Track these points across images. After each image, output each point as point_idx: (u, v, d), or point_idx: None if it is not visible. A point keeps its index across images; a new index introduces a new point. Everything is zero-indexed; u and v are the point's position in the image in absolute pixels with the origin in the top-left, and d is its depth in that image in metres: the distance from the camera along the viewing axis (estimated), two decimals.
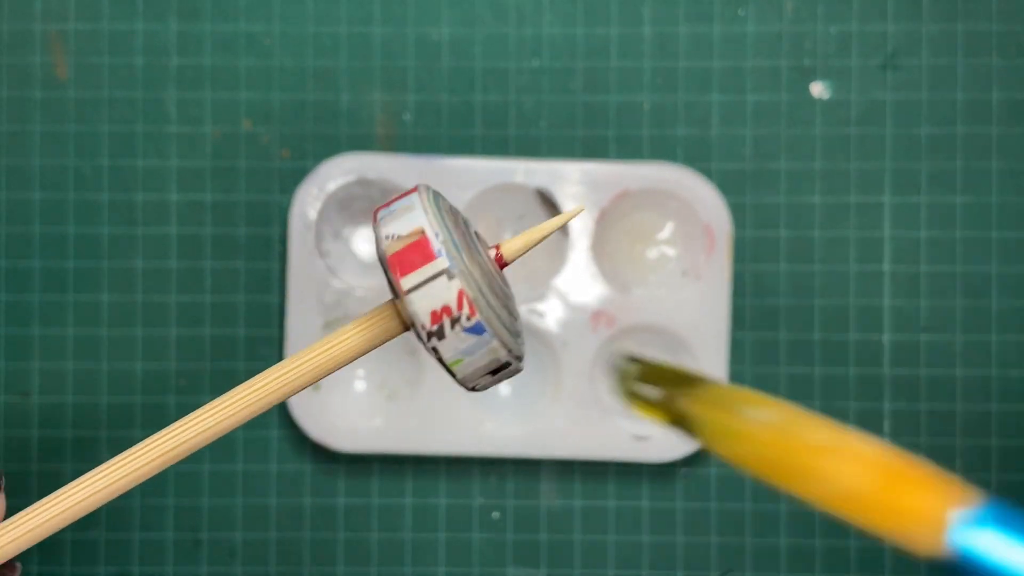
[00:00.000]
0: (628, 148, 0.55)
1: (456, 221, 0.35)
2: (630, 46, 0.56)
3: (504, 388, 0.55)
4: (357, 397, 0.55)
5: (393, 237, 0.33)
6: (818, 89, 0.55)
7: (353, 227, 0.55)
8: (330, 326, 0.54)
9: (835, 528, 0.55)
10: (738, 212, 0.55)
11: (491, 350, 0.33)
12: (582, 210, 0.35)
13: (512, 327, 0.35)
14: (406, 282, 0.33)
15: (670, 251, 0.55)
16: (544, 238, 0.36)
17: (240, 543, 0.55)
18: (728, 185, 0.55)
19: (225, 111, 0.56)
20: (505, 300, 0.35)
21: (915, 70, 0.55)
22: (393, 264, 0.33)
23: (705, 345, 0.54)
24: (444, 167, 0.54)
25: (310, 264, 0.54)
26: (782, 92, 0.55)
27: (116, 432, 0.55)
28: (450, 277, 0.32)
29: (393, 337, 0.35)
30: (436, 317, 0.33)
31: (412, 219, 0.33)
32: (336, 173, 0.54)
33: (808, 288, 0.55)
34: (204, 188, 0.56)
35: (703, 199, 0.54)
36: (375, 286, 0.54)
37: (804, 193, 0.55)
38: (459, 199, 0.54)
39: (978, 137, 0.55)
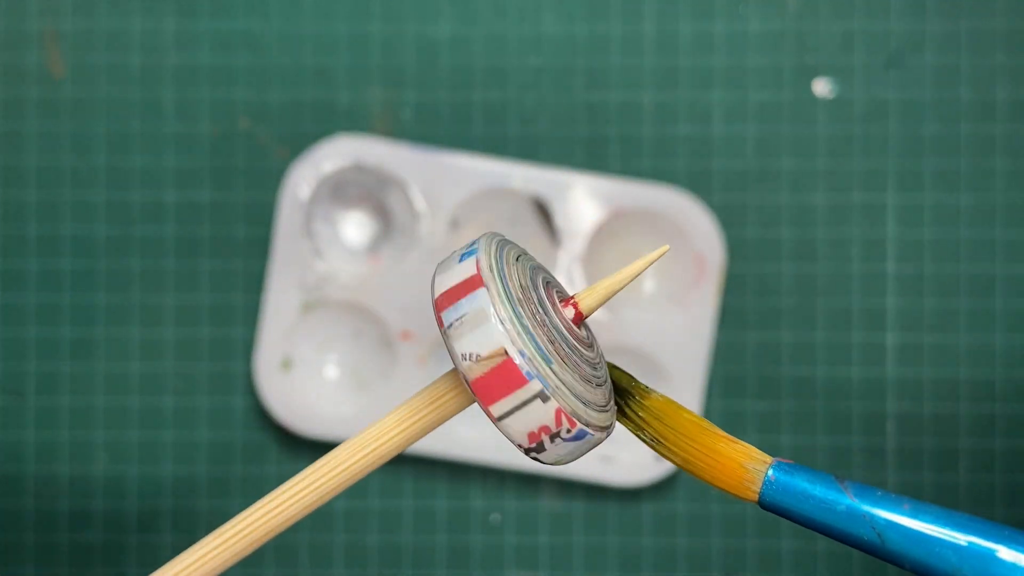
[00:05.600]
0: (629, 147, 0.55)
1: (526, 295, 0.32)
2: (631, 44, 0.55)
3: None
4: (327, 384, 0.55)
5: (472, 358, 0.31)
6: (821, 87, 0.55)
7: (344, 212, 0.55)
8: (309, 308, 0.54)
9: None
10: (740, 212, 0.55)
11: (592, 443, 0.32)
12: (666, 251, 0.33)
13: (606, 402, 0.33)
14: (496, 410, 0.31)
15: (660, 275, 0.55)
16: (624, 286, 0.33)
17: None
18: (729, 184, 0.55)
19: (222, 110, 0.55)
20: (592, 367, 0.33)
21: (919, 68, 0.55)
22: (478, 390, 0.31)
23: (682, 375, 0.54)
24: (441, 162, 0.54)
25: (296, 243, 0.54)
26: (784, 90, 0.55)
27: (113, 433, 0.55)
28: (544, 400, 0.31)
29: (464, 408, 0.33)
30: (534, 437, 0.31)
31: (489, 333, 0.30)
32: (332, 154, 0.53)
33: (811, 288, 0.55)
34: (201, 187, 0.55)
35: (699, 229, 0.54)
36: (359, 273, 0.54)
37: (807, 192, 0.55)
38: (453, 197, 0.54)
39: (983, 136, 0.55)
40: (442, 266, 0.33)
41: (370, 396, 0.55)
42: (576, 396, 0.31)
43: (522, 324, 0.31)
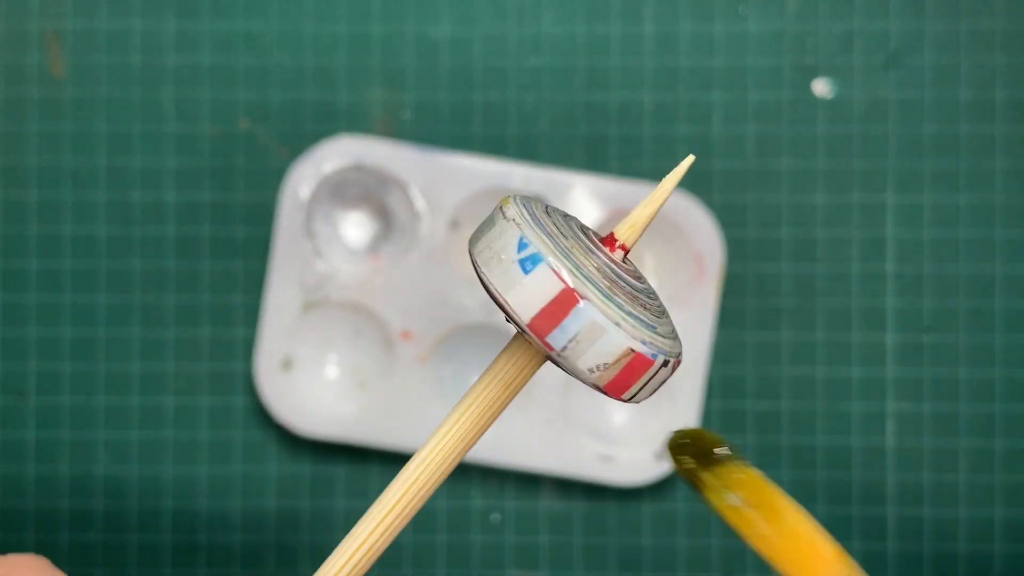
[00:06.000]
0: (629, 147, 0.55)
1: (601, 270, 0.31)
2: (631, 44, 0.55)
3: None
4: (327, 384, 0.55)
5: (600, 368, 0.31)
6: (820, 87, 0.55)
7: (344, 212, 0.55)
8: (309, 308, 0.54)
9: (838, 532, 0.55)
10: (740, 212, 0.55)
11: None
12: (693, 161, 0.34)
13: (671, 324, 0.33)
14: (627, 395, 0.31)
15: (659, 275, 0.55)
16: (659, 210, 0.33)
17: (239, 546, 0.55)
18: (729, 184, 0.55)
19: (222, 110, 0.55)
20: (649, 296, 0.33)
21: (918, 68, 0.55)
22: (611, 390, 0.31)
23: (682, 374, 0.53)
24: (442, 163, 0.54)
25: (297, 243, 0.54)
26: (784, 90, 0.55)
27: (113, 433, 0.55)
28: (665, 365, 0.31)
29: (538, 368, 0.33)
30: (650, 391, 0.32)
31: (610, 343, 0.30)
32: (332, 154, 0.53)
33: (810, 288, 0.55)
34: (202, 187, 0.55)
35: (699, 229, 0.54)
36: (359, 273, 0.54)
37: (806, 192, 0.55)
38: (453, 197, 0.54)
39: (982, 136, 0.55)
40: (500, 277, 0.31)
41: (370, 396, 0.55)
42: (672, 338, 0.32)
43: (626, 312, 0.31)
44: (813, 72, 0.55)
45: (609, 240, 0.33)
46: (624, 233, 0.33)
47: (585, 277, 0.30)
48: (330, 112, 0.55)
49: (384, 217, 0.55)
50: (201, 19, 0.55)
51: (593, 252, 0.32)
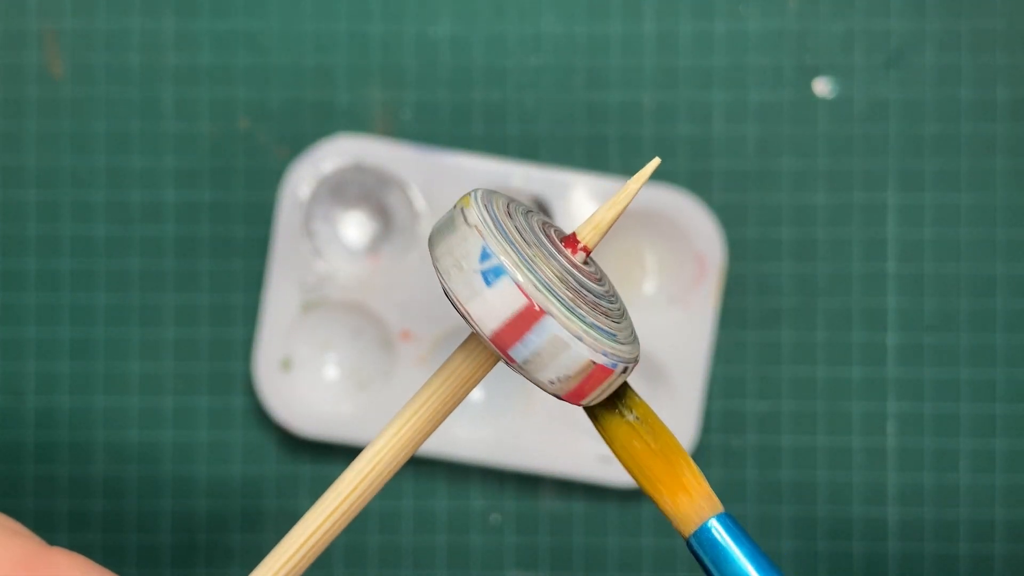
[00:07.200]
0: (629, 146, 0.55)
1: (563, 278, 0.31)
2: (631, 44, 0.55)
3: (477, 393, 0.55)
4: (327, 384, 0.55)
5: (560, 381, 0.31)
6: (821, 87, 0.55)
7: (344, 212, 0.55)
8: (309, 308, 0.54)
9: (838, 532, 0.55)
10: (740, 212, 0.55)
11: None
12: (658, 163, 0.33)
13: (631, 328, 0.33)
14: (585, 401, 0.32)
15: (659, 275, 0.55)
16: (621, 213, 0.33)
17: (238, 546, 0.55)
18: (729, 184, 0.55)
19: (222, 110, 0.55)
20: (610, 301, 0.33)
21: (919, 68, 0.55)
22: (569, 398, 0.31)
23: (682, 375, 0.53)
24: (442, 162, 0.54)
25: (296, 243, 0.54)
26: (785, 90, 0.55)
27: (112, 433, 0.55)
28: (624, 371, 0.32)
29: (494, 366, 0.33)
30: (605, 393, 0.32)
31: (572, 357, 0.30)
32: (332, 154, 0.53)
33: (811, 288, 0.55)
34: (201, 187, 0.55)
35: (700, 229, 0.53)
36: (359, 273, 0.54)
37: (807, 192, 0.55)
38: (453, 197, 0.54)
39: (983, 136, 0.55)
40: (462, 287, 0.30)
41: (370, 396, 0.55)
42: (631, 343, 0.32)
43: (588, 324, 0.30)
44: (814, 71, 0.55)
45: (571, 241, 0.33)
46: (586, 235, 0.33)
47: (548, 290, 0.30)
48: (329, 112, 0.55)
49: (384, 217, 0.55)
50: (200, 18, 0.55)
51: (555, 257, 0.32)
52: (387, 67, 0.55)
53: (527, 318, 0.30)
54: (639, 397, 0.34)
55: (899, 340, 0.55)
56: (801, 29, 0.55)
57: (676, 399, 0.54)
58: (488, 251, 0.30)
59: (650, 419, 0.34)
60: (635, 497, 0.55)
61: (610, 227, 0.33)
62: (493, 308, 0.30)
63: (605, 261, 0.55)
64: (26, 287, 0.55)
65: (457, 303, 0.30)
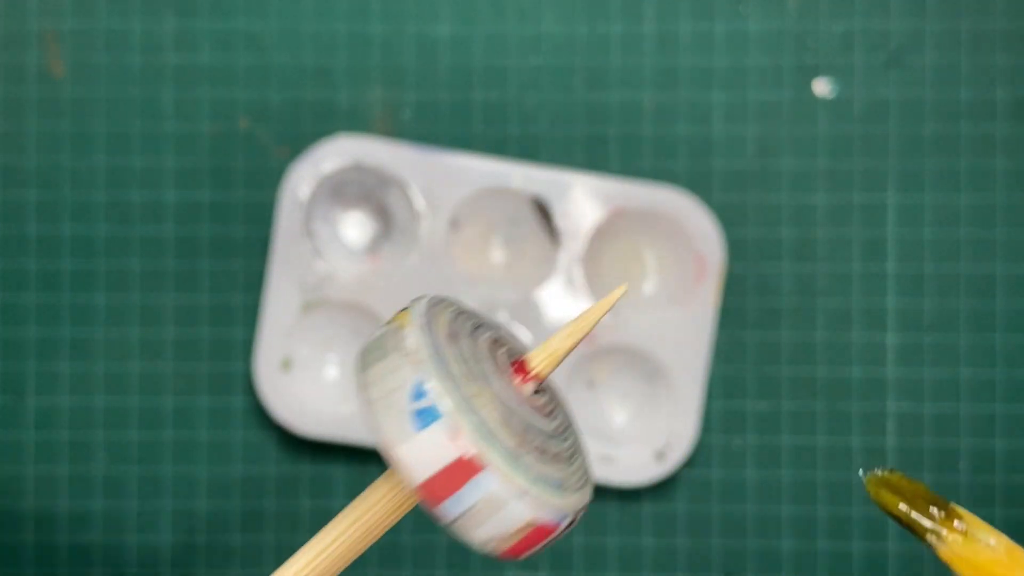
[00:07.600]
0: (629, 146, 0.55)
1: (512, 421, 0.27)
2: (631, 44, 0.55)
3: None
4: (327, 384, 0.55)
5: (496, 540, 0.27)
6: (821, 87, 0.55)
7: (344, 212, 0.55)
8: (309, 308, 0.54)
9: (838, 532, 0.55)
10: (740, 212, 0.55)
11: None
12: (625, 290, 0.30)
13: (583, 471, 0.31)
14: (521, 557, 0.28)
15: (659, 275, 0.55)
16: (579, 342, 0.29)
17: (238, 546, 0.55)
18: (729, 184, 0.55)
19: (222, 109, 0.55)
20: (561, 439, 0.30)
21: (919, 68, 0.55)
22: (504, 557, 0.28)
23: (682, 375, 0.53)
24: (441, 163, 0.54)
25: (296, 243, 0.54)
26: (784, 90, 0.55)
27: (112, 433, 0.55)
28: (569, 526, 0.29)
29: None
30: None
31: (511, 516, 0.27)
32: (332, 154, 0.53)
33: (811, 288, 0.55)
34: (201, 187, 0.55)
35: (700, 229, 0.53)
36: (359, 273, 0.54)
37: (807, 192, 0.55)
38: (453, 197, 0.54)
39: (983, 136, 0.55)
40: (390, 426, 0.26)
41: None
42: (581, 487, 0.29)
43: (533, 477, 0.27)
44: (814, 72, 0.55)
45: (521, 368, 0.29)
46: (539, 363, 0.29)
47: (490, 436, 0.26)
48: (330, 112, 0.55)
49: (384, 217, 0.55)
50: (200, 18, 0.55)
51: (500, 393, 0.28)
52: (387, 67, 0.55)
53: (463, 471, 0.26)
54: (968, 514, 0.32)
55: (899, 340, 0.55)
56: (801, 29, 0.55)
57: (676, 399, 0.54)
58: (422, 388, 0.26)
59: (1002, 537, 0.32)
60: (635, 497, 0.55)
61: (566, 356, 0.29)
62: (424, 456, 0.26)
63: (606, 262, 0.55)
64: (26, 287, 0.55)
65: (382, 444, 0.26)
